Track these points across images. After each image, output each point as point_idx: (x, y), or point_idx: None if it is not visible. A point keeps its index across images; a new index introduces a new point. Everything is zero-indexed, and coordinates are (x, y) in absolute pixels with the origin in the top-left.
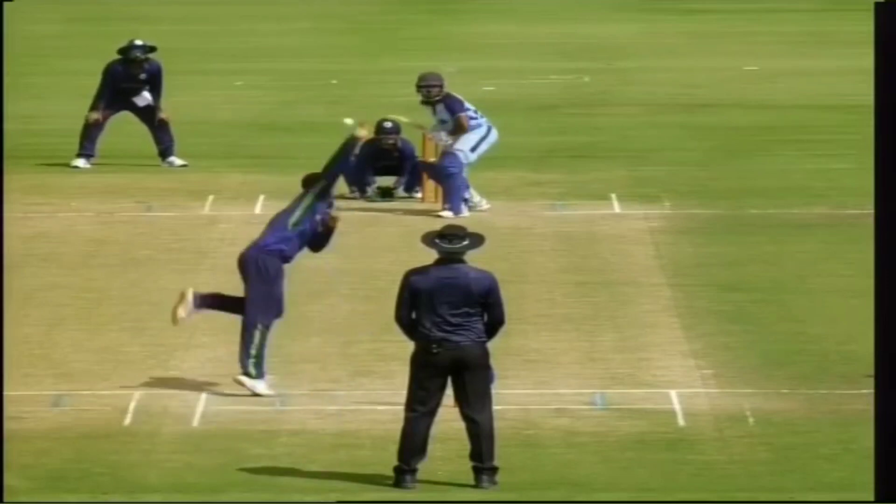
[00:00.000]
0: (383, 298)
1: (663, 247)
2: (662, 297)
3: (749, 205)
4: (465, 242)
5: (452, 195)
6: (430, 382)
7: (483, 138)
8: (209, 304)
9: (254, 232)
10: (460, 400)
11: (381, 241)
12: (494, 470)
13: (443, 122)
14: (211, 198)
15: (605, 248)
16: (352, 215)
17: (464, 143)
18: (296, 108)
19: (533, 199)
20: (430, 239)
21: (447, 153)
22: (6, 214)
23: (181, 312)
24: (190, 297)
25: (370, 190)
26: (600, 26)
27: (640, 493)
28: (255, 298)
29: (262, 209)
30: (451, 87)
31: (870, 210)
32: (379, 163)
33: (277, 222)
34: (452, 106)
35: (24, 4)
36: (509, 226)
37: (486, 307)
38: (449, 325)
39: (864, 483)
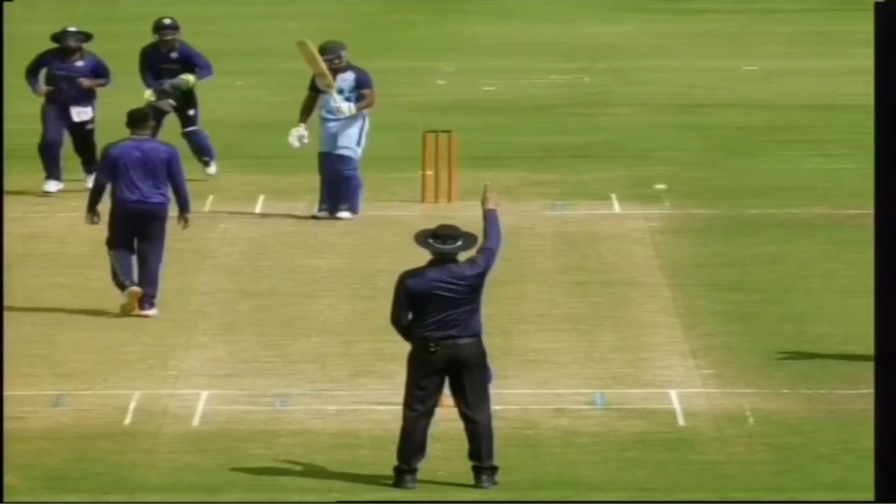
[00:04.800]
0: (383, 298)
1: (663, 247)
2: (662, 297)
3: (749, 205)
4: (459, 243)
5: (351, 196)
6: (428, 381)
7: (361, 130)
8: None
9: (254, 232)
10: (458, 399)
11: (381, 241)
12: (494, 469)
13: (339, 91)
14: (211, 198)
15: (605, 248)
16: (351, 215)
17: (348, 140)
18: (296, 108)
19: (533, 199)
20: (423, 239)
21: (340, 156)
22: (6, 214)
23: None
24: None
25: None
26: (600, 26)
27: (640, 493)
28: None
29: (262, 209)
30: (450, 87)
31: (870, 210)
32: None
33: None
34: (362, 79)
35: (24, 4)
36: (509, 226)
37: (484, 274)
38: (446, 324)
39: (864, 483)
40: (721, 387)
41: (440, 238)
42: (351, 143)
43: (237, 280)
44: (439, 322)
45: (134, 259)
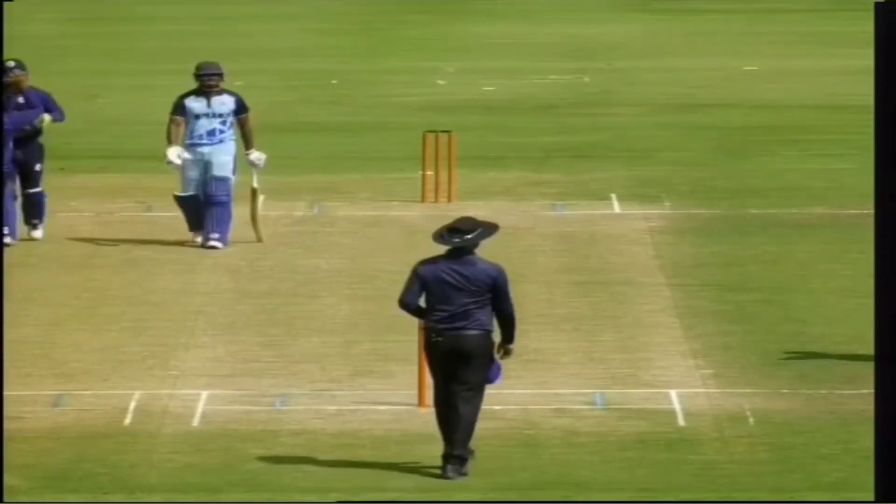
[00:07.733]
0: (383, 298)
1: (663, 247)
2: (662, 297)
3: (749, 205)
4: (469, 236)
5: (225, 223)
6: (438, 369)
7: (234, 156)
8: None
9: (253, 232)
10: (456, 385)
11: (381, 241)
12: (463, 460)
13: (218, 115)
14: None
15: (605, 248)
16: (353, 215)
17: (227, 169)
18: (296, 108)
19: (533, 199)
20: (439, 234)
21: (219, 181)
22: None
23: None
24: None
25: None
26: (600, 26)
27: (640, 493)
28: None
29: (262, 209)
30: (450, 87)
31: (870, 210)
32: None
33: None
34: (241, 104)
35: (24, 4)
36: (510, 226)
37: (494, 299)
38: (452, 314)
39: (864, 483)
40: (721, 387)
41: (454, 231)
42: (227, 168)
43: (237, 280)
44: (446, 312)
45: None
